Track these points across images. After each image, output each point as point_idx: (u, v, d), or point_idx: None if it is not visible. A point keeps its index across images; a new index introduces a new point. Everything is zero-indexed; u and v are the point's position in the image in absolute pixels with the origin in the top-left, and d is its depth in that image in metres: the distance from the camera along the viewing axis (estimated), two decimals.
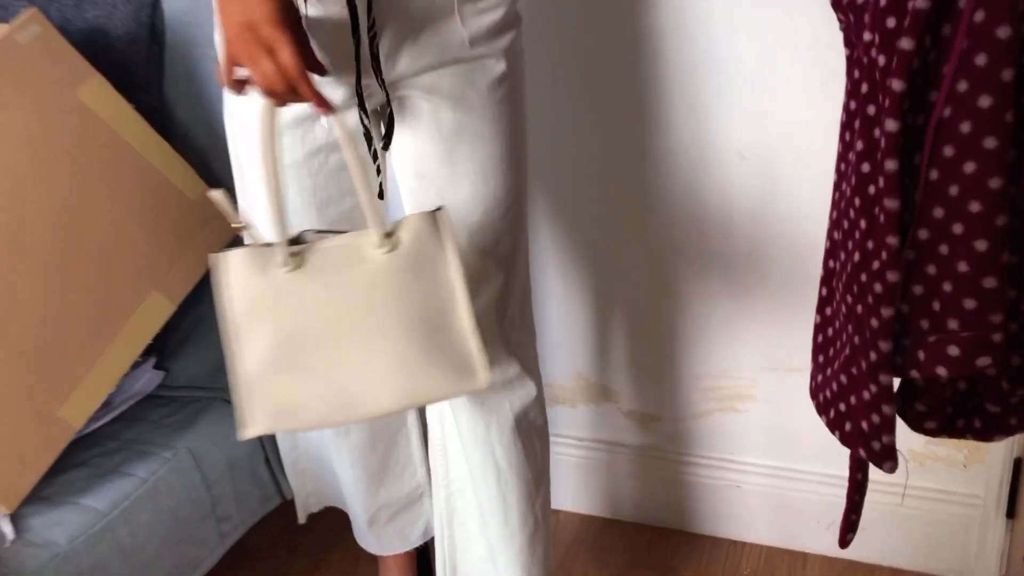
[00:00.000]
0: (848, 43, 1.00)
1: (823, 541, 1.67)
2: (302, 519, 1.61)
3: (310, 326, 1.00)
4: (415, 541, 1.56)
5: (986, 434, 0.95)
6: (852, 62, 0.98)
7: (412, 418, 1.46)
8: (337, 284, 1.00)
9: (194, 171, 1.46)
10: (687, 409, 1.68)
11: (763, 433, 1.65)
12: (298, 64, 0.90)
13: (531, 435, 1.26)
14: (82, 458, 1.39)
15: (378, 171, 1.10)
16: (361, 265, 1.00)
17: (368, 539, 1.55)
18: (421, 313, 1.01)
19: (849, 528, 1.14)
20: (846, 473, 1.07)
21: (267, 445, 1.56)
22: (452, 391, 1.02)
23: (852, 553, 1.65)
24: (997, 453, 1.45)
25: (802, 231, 1.47)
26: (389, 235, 1.01)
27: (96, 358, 1.32)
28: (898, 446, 1.61)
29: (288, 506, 1.64)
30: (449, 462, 1.30)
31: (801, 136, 1.42)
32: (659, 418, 1.70)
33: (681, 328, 1.63)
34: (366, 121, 1.05)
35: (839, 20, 1.00)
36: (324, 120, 1.06)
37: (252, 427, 1.02)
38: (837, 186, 1.03)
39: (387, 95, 1.06)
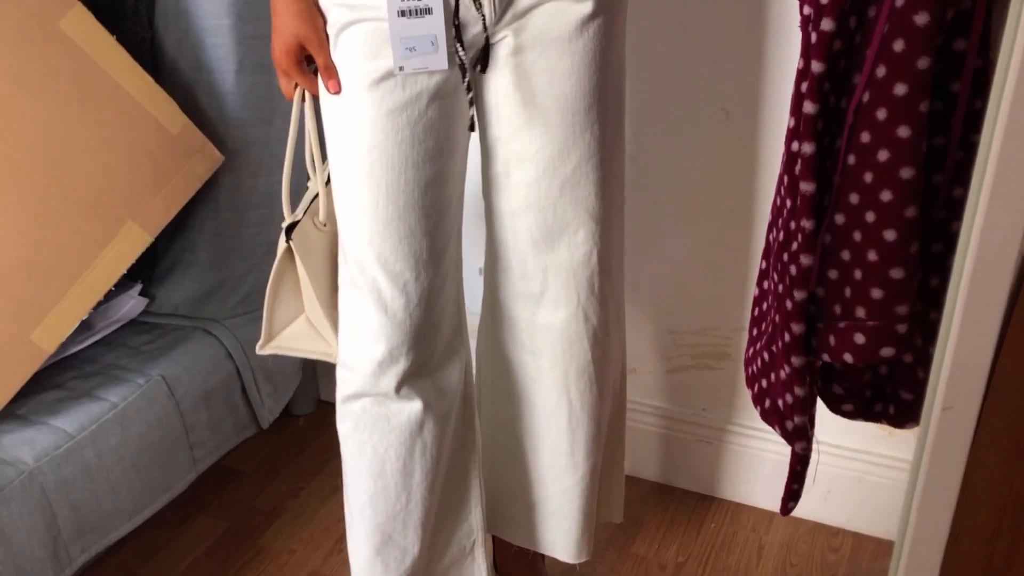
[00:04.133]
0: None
1: None
2: None
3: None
4: None
5: (899, 421, 0.94)
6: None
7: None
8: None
9: (177, 105, 1.48)
10: (664, 364, 1.68)
11: (737, 392, 1.64)
12: (310, 88, 1.12)
13: (604, 389, 1.27)
14: (60, 380, 1.44)
15: (471, 103, 1.07)
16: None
17: None
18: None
19: (790, 497, 1.14)
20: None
21: (243, 375, 1.60)
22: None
23: (818, 515, 1.65)
24: None
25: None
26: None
27: (71, 284, 1.36)
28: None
29: (271, 431, 1.68)
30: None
31: (784, 98, 1.39)
32: (635, 371, 1.70)
33: (661, 285, 1.62)
34: (461, 53, 1.04)
35: None
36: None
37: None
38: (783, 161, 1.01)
39: (484, 23, 1.04)
